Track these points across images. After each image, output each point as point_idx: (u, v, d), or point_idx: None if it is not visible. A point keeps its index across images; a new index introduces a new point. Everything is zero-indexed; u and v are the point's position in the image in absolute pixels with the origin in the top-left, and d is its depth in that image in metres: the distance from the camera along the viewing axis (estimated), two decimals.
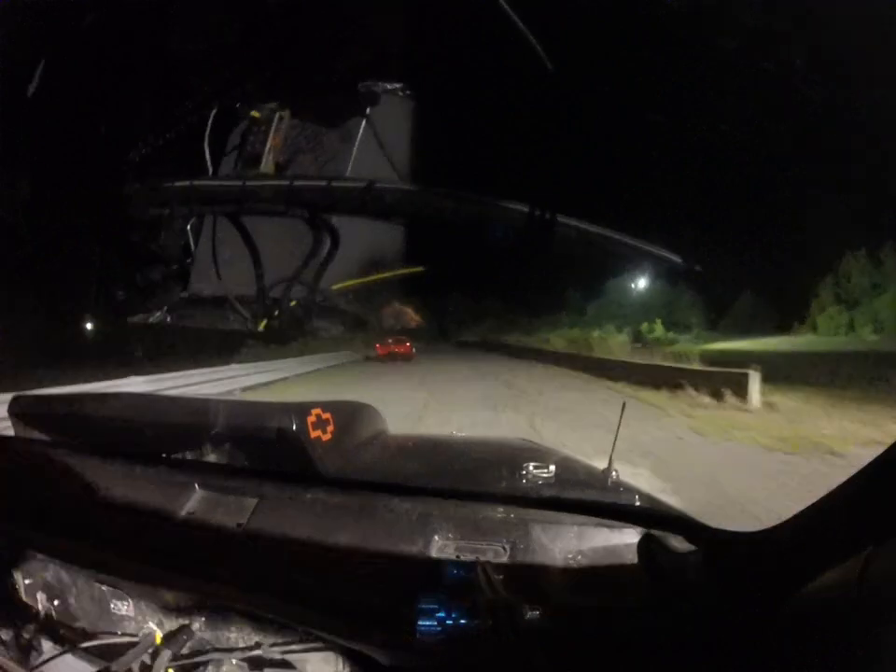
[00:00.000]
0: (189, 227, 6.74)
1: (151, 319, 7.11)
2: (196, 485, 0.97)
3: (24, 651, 0.84)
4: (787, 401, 7.79)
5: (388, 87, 6.34)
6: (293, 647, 0.72)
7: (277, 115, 6.59)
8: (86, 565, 0.88)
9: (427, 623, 0.60)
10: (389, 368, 16.85)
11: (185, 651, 0.75)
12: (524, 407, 8.04)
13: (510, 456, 1.12)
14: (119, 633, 0.84)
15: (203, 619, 0.79)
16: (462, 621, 0.59)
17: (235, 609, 0.77)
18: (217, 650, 0.76)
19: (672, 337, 26.35)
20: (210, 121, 6.47)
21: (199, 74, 6.21)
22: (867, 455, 0.48)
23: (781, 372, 10.31)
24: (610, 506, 0.84)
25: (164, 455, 1.06)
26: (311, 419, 0.89)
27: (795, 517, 0.57)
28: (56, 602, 0.90)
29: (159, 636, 0.77)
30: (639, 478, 3.97)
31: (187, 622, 0.79)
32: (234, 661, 0.75)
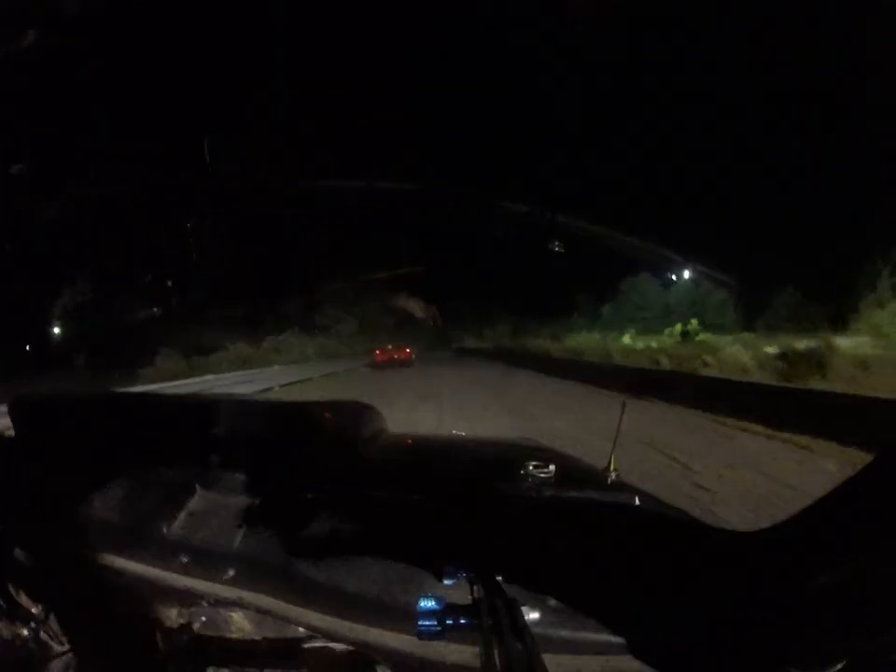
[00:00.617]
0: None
1: None
2: (197, 485, 0.97)
3: (25, 651, 0.84)
4: None
5: None
6: (293, 645, 0.73)
7: None
8: (86, 565, 0.88)
9: (427, 622, 0.60)
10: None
11: (186, 649, 0.75)
12: None
13: (510, 456, 1.13)
14: (120, 633, 0.85)
15: (204, 618, 0.79)
16: (462, 621, 0.59)
17: (236, 608, 0.77)
18: (218, 648, 0.76)
19: (714, 339, 20.06)
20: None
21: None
22: None
23: None
24: (611, 505, 0.84)
25: (165, 455, 1.06)
26: (311, 418, 0.90)
27: (796, 516, 0.57)
28: (56, 603, 0.90)
29: (160, 635, 0.77)
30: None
31: (187, 620, 0.79)
32: (235, 659, 0.75)
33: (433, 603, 0.61)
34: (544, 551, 0.79)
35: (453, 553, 0.79)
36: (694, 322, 22.42)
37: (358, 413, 1.20)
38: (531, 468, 0.94)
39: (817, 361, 9.60)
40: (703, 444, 5.94)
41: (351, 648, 0.68)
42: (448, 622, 0.59)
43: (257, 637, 0.76)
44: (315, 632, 0.71)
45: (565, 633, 0.63)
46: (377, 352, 20.27)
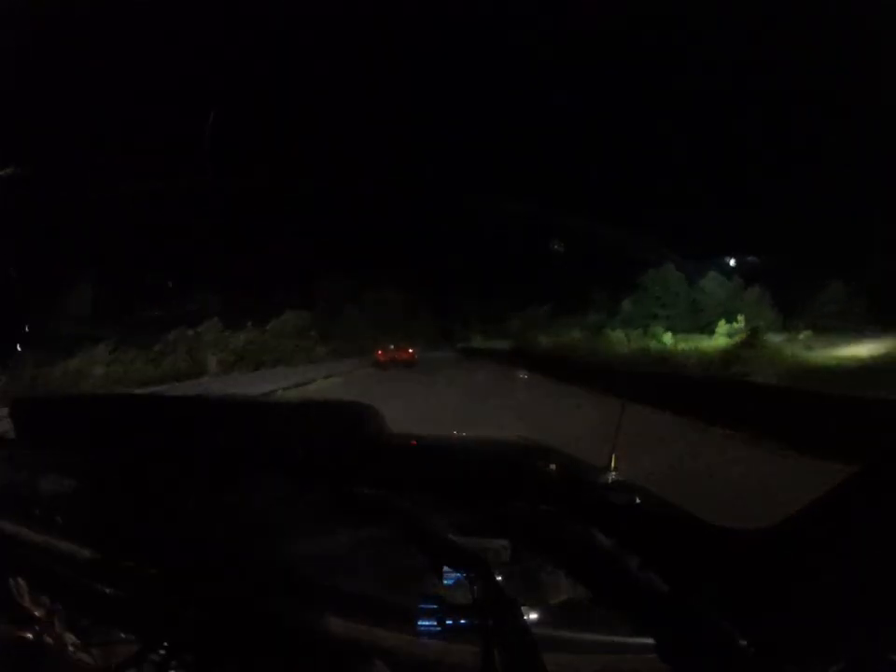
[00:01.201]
0: None
1: None
2: (197, 486, 0.97)
3: (25, 652, 0.84)
4: None
5: None
6: (293, 645, 0.73)
7: None
8: (87, 565, 0.88)
9: (427, 622, 0.60)
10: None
11: (188, 650, 0.75)
12: None
13: (510, 455, 1.12)
14: (122, 634, 0.85)
15: (206, 617, 0.80)
16: (462, 621, 0.59)
17: (237, 608, 0.77)
18: (219, 647, 0.76)
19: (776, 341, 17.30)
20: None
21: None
22: None
23: None
24: (611, 505, 0.84)
25: (165, 455, 1.06)
26: (311, 418, 0.90)
27: (795, 516, 0.57)
28: (57, 603, 0.90)
29: (161, 635, 0.77)
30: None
31: (187, 619, 0.79)
32: (236, 659, 0.75)
33: (433, 603, 0.61)
34: (544, 551, 0.79)
35: (453, 553, 0.79)
36: (741, 319, 20.09)
37: (359, 413, 1.20)
38: (531, 467, 0.94)
39: None
40: None
41: (351, 647, 0.68)
42: (448, 622, 0.60)
43: (258, 636, 0.76)
44: (315, 632, 0.71)
45: (565, 633, 0.64)
46: (379, 352, 20.21)
